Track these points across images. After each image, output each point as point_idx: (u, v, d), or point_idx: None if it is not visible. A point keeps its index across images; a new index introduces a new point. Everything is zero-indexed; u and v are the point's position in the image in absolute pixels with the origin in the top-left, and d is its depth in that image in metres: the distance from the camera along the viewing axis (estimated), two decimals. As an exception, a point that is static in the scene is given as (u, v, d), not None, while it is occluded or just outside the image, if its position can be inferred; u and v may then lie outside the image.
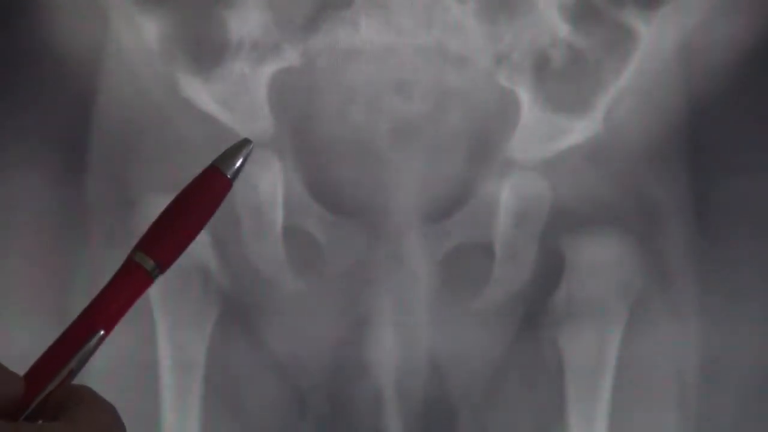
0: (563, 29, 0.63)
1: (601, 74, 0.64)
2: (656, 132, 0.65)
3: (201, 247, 0.65)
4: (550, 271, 0.65)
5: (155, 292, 0.65)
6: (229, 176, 0.42)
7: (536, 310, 0.66)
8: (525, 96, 0.64)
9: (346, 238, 0.65)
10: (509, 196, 0.65)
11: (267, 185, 0.65)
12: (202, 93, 0.64)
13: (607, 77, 0.64)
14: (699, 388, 0.65)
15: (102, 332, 0.40)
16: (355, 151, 0.64)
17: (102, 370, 0.65)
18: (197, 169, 0.66)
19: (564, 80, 0.64)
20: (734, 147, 0.64)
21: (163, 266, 0.42)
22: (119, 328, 0.67)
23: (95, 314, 0.41)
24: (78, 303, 0.66)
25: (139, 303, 0.67)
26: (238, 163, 0.42)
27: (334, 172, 0.64)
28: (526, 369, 0.66)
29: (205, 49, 0.63)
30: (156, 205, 0.65)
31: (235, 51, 0.64)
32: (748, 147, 0.64)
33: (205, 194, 0.42)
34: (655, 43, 0.64)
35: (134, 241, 0.66)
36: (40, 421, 0.37)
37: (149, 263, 0.41)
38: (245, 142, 0.42)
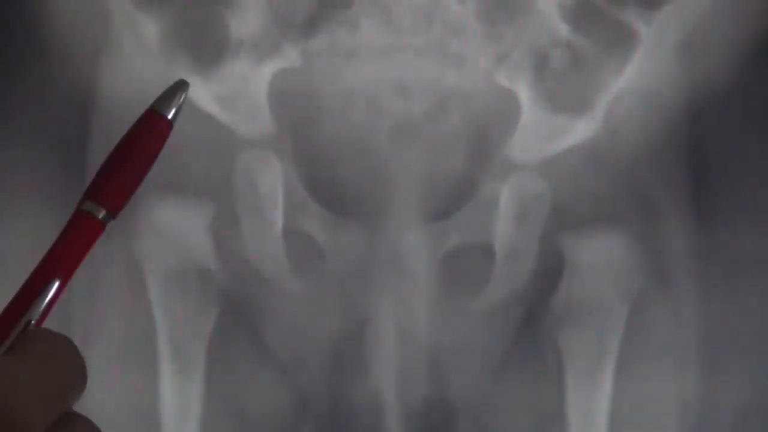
0: (563, 29, 0.63)
1: (601, 74, 0.64)
2: (656, 132, 0.65)
3: (201, 247, 0.65)
4: (550, 271, 0.65)
5: (155, 292, 0.65)
6: (169, 117, 0.42)
7: (536, 310, 0.66)
8: (525, 96, 0.64)
9: (346, 238, 0.65)
10: (509, 196, 0.65)
11: (267, 185, 0.65)
12: (202, 93, 0.64)
13: (607, 77, 0.64)
14: (699, 388, 0.65)
15: (58, 281, 0.41)
16: (355, 151, 0.64)
17: (101, 371, 0.65)
18: (197, 169, 0.66)
19: (564, 80, 0.64)
20: (734, 147, 0.64)
21: (113, 212, 0.42)
22: (119, 329, 0.67)
23: (50, 265, 0.41)
24: (78, 303, 0.66)
25: (139, 303, 0.67)
26: (177, 104, 0.42)
27: (334, 172, 0.64)
28: (526, 369, 0.66)
29: (205, 49, 0.63)
30: (156, 205, 0.65)
31: (235, 51, 0.64)
32: (748, 147, 0.64)
33: (147, 137, 0.42)
34: (655, 43, 0.64)
35: (134, 242, 0.67)
36: None
37: (100, 211, 0.41)
38: (182, 83, 0.43)
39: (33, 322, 0.40)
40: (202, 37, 0.63)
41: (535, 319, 0.66)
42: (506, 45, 0.64)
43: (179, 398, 0.65)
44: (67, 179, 0.64)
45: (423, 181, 0.64)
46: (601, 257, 0.65)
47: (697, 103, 0.64)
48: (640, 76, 0.64)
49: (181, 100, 0.42)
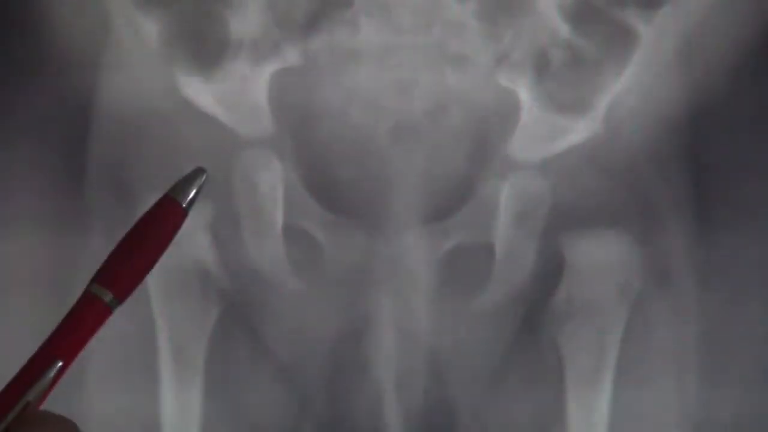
0: (563, 29, 0.63)
1: (601, 74, 0.64)
2: (656, 132, 0.65)
3: (201, 247, 0.65)
4: (550, 271, 0.65)
5: (155, 292, 0.65)
6: (184, 206, 0.42)
7: (536, 310, 0.66)
8: (525, 96, 0.64)
9: (346, 238, 0.65)
10: (509, 196, 0.65)
11: (267, 185, 0.65)
12: (202, 93, 0.64)
13: (607, 77, 0.64)
14: (699, 388, 0.65)
15: (60, 363, 0.40)
16: (355, 151, 0.64)
17: (101, 371, 0.65)
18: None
19: (564, 80, 0.64)
20: (734, 147, 0.64)
21: (120, 297, 0.41)
22: (118, 329, 0.67)
23: (54, 346, 0.40)
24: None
25: (138, 303, 0.67)
26: (193, 193, 0.42)
27: (334, 172, 0.64)
28: (526, 369, 0.66)
29: (205, 48, 0.63)
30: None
31: (235, 51, 0.64)
32: (748, 147, 0.64)
33: (161, 224, 0.42)
34: (655, 43, 0.64)
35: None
36: None
37: (107, 295, 0.41)
38: (199, 172, 0.42)
39: (31, 401, 0.39)
40: (202, 37, 0.63)
41: (535, 319, 0.66)
42: (506, 45, 0.64)
43: (179, 398, 0.65)
44: (67, 179, 0.64)
45: (423, 181, 0.64)
46: (601, 257, 0.65)
47: (697, 103, 0.64)
48: (640, 76, 0.64)
49: (198, 188, 0.42)
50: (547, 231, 0.65)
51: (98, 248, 0.65)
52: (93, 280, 0.41)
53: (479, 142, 0.64)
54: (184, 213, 0.42)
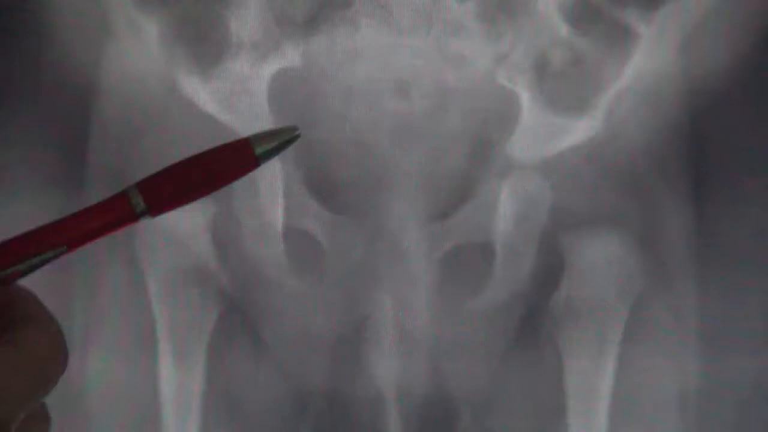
0: (563, 29, 0.63)
1: (601, 74, 0.64)
2: (656, 132, 0.65)
3: (201, 247, 0.65)
4: (550, 271, 0.65)
5: (156, 291, 0.65)
6: (257, 155, 0.40)
7: (536, 310, 0.66)
8: (525, 96, 0.64)
9: (346, 237, 0.65)
10: (509, 196, 0.65)
11: (267, 185, 0.65)
12: (202, 93, 0.64)
13: (607, 77, 0.64)
14: (699, 388, 0.65)
15: (65, 248, 0.39)
16: (355, 151, 0.64)
17: (102, 370, 0.65)
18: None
19: (564, 80, 0.64)
20: (734, 146, 0.64)
21: (152, 211, 0.40)
22: (120, 328, 0.67)
23: (68, 227, 0.39)
24: (78, 303, 0.66)
25: (138, 302, 0.67)
26: (272, 146, 0.40)
27: (334, 172, 0.64)
28: (526, 369, 0.66)
29: (205, 48, 0.63)
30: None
31: (235, 51, 0.64)
32: (749, 147, 0.64)
33: (226, 164, 0.40)
34: (655, 43, 0.64)
35: (134, 242, 0.66)
36: None
37: (140, 203, 0.40)
38: (290, 130, 0.41)
39: (20, 270, 0.38)
40: (202, 37, 0.63)
41: (535, 318, 0.66)
42: (506, 45, 0.64)
43: (179, 397, 0.65)
44: (67, 179, 0.64)
45: (423, 181, 0.64)
46: (601, 257, 0.65)
47: (697, 102, 0.64)
48: (640, 76, 0.64)
49: (279, 144, 0.40)
50: (547, 231, 0.65)
51: (98, 247, 0.65)
52: (135, 185, 0.40)
53: (479, 142, 0.64)
54: (254, 162, 0.40)
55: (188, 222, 0.65)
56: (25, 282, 0.40)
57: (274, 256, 0.65)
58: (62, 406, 0.65)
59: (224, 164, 0.40)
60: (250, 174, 0.65)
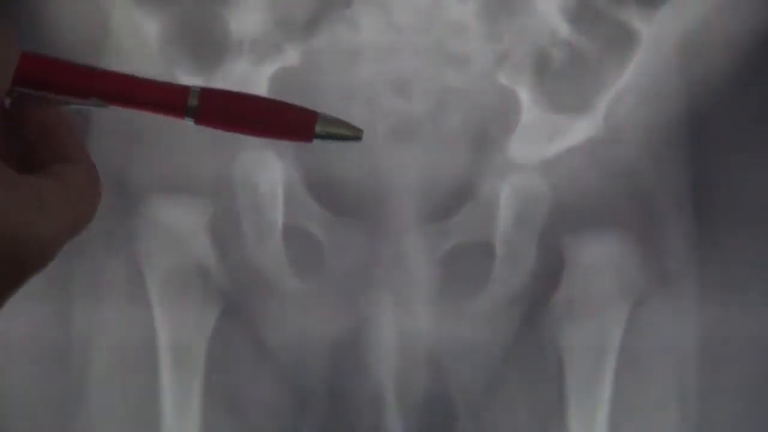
0: (563, 29, 0.63)
1: (601, 74, 0.64)
2: (656, 132, 0.65)
3: (201, 247, 0.65)
4: (550, 271, 0.65)
5: (155, 291, 0.65)
6: (315, 131, 0.41)
7: (536, 310, 0.66)
8: (525, 96, 0.64)
9: (346, 238, 0.65)
10: (509, 196, 0.65)
11: (267, 185, 0.65)
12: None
13: (607, 77, 0.64)
14: (699, 388, 0.65)
15: (106, 105, 0.40)
16: (355, 151, 0.64)
17: (102, 370, 0.65)
18: (197, 169, 0.66)
19: (564, 80, 0.64)
20: (734, 146, 0.64)
21: (200, 116, 0.41)
22: (119, 328, 0.67)
23: (118, 88, 0.40)
24: (78, 304, 0.66)
25: (138, 302, 0.67)
26: (329, 131, 0.42)
27: (334, 172, 0.64)
28: (526, 369, 0.66)
29: (206, 48, 0.63)
30: (156, 205, 0.65)
31: (235, 51, 0.64)
32: (748, 146, 0.64)
33: (286, 123, 0.41)
34: (655, 43, 0.64)
35: (134, 242, 0.66)
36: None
37: (194, 102, 0.41)
38: (355, 129, 0.42)
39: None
40: (203, 37, 0.63)
41: (535, 319, 0.66)
42: (506, 45, 0.64)
43: (179, 398, 0.65)
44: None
45: (423, 181, 0.64)
46: (601, 257, 0.65)
47: (697, 103, 0.64)
48: (640, 76, 0.64)
49: (336, 133, 0.42)
50: (547, 231, 0.65)
51: (98, 248, 0.65)
52: (200, 87, 0.41)
53: (479, 142, 0.64)
54: (309, 136, 0.41)
55: (188, 222, 0.65)
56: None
57: (274, 256, 0.65)
58: (63, 405, 0.65)
59: (283, 120, 0.42)
60: (250, 174, 0.65)
